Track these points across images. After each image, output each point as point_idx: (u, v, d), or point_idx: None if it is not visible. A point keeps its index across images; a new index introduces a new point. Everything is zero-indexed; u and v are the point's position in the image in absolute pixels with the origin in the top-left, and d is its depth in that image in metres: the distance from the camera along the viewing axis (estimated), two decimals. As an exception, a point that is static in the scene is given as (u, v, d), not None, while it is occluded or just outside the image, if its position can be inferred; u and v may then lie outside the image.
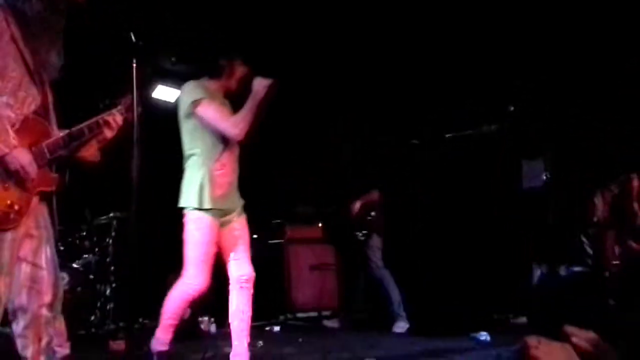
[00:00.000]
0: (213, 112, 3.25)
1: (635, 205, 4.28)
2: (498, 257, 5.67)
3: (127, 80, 2.42)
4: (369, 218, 5.51)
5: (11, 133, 2.15)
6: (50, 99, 2.36)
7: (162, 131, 4.08)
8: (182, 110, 3.32)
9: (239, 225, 3.47)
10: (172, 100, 6.38)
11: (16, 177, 2.17)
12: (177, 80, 6.52)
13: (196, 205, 3.23)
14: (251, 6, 5.53)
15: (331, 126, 6.70)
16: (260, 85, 3.19)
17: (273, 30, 5.85)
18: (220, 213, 3.31)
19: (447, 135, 4.67)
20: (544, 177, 4.35)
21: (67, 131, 2.37)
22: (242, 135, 3.23)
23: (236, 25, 5.64)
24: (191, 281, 3.28)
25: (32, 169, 2.20)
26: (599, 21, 5.05)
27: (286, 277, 6.45)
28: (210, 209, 3.24)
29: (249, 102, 3.20)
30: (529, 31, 5.41)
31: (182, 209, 3.31)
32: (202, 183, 3.24)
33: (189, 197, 3.28)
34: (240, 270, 3.46)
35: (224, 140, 3.32)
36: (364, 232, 5.47)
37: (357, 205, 5.47)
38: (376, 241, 5.45)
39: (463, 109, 5.57)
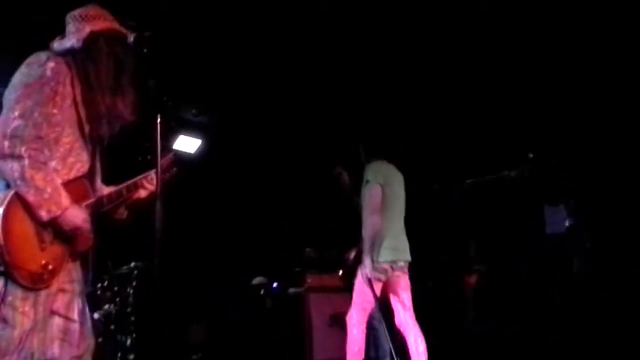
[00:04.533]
0: None
1: None
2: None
3: (152, 135, 2.47)
4: None
5: (63, 193, 2.16)
6: (98, 157, 2.40)
7: (181, 182, 4.13)
8: None
9: None
10: (192, 150, 6.49)
11: (71, 235, 2.20)
12: (197, 130, 6.68)
13: None
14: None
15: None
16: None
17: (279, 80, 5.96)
18: None
19: (467, 181, 4.66)
20: (567, 223, 4.28)
21: (106, 192, 2.41)
22: None
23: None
24: None
25: (86, 226, 2.23)
26: (619, 71, 5.08)
27: (307, 328, 6.36)
28: None
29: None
30: (550, 79, 5.45)
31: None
32: None
33: None
34: None
35: None
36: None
37: (352, 254, 5.12)
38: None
39: (483, 155, 5.57)
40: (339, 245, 6.33)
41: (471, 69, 5.62)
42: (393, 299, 4.11)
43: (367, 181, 4.15)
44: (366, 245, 4.00)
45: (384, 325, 5.17)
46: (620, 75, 5.11)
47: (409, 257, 4.17)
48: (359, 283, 4.05)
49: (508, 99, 5.76)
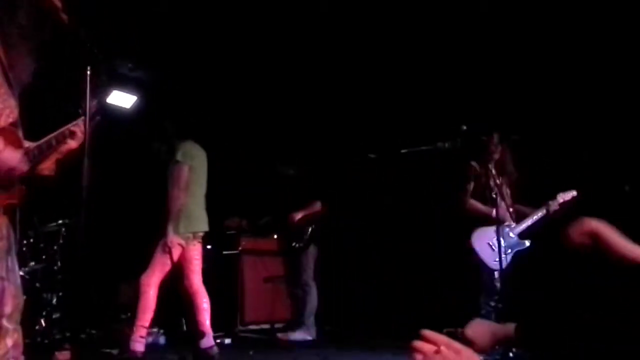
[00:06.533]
0: None
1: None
2: (446, 271, 5.79)
3: (82, 87, 2.38)
4: (310, 229, 5.68)
5: None
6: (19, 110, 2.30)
7: (113, 138, 4.03)
8: None
9: None
10: (127, 105, 6.29)
11: (1, 183, 2.10)
12: (133, 86, 6.47)
13: None
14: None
15: (287, 137, 6.75)
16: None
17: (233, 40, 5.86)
18: None
19: (402, 151, 4.75)
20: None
21: (36, 143, 2.31)
22: None
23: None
24: None
25: (22, 168, 2.16)
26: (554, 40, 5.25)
27: (239, 289, 6.40)
28: None
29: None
30: (486, 50, 5.58)
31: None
32: None
33: None
34: None
35: None
36: (300, 243, 5.69)
37: (298, 215, 5.72)
38: (313, 252, 5.70)
39: (419, 127, 5.69)
40: (270, 211, 6.42)
41: (408, 40, 5.68)
42: (186, 265, 4.54)
43: (177, 161, 4.57)
44: (171, 217, 4.44)
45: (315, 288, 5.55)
46: (553, 46, 5.27)
47: (206, 228, 4.68)
48: (159, 250, 4.44)
49: (444, 72, 5.87)
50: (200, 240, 4.66)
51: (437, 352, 1.02)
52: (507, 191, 4.78)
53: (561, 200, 4.61)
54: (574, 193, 4.68)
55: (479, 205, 4.60)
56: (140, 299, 4.35)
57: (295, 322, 5.60)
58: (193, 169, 4.60)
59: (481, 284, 4.55)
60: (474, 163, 4.65)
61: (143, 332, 4.30)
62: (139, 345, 4.26)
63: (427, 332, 1.06)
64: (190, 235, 4.54)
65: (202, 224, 4.67)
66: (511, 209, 4.73)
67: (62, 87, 2.40)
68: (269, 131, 7.00)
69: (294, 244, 5.73)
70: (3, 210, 2.22)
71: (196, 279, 4.58)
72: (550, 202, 4.62)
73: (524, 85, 5.49)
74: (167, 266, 4.45)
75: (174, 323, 5.69)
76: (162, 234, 4.45)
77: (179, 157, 4.58)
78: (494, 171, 4.68)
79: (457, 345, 1.04)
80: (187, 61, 6.28)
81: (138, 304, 4.36)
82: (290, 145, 6.50)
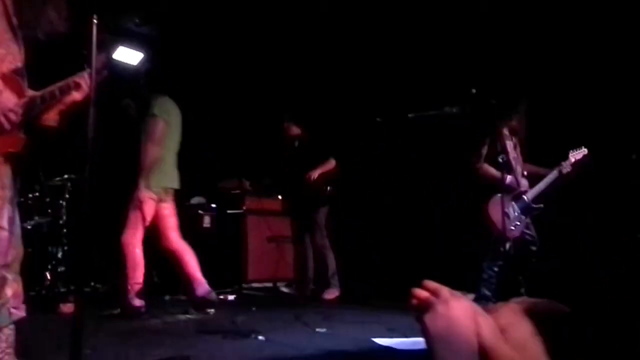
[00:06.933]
0: None
1: None
2: (451, 236, 5.82)
3: (86, 37, 2.34)
4: (328, 187, 5.63)
5: None
6: (23, 57, 2.27)
7: (120, 94, 4.00)
8: None
9: None
10: (134, 62, 6.22)
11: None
12: (139, 42, 6.38)
13: None
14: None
15: (295, 99, 6.70)
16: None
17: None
18: None
19: (410, 115, 4.71)
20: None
21: (39, 92, 2.29)
22: None
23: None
24: None
25: (17, 111, 2.15)
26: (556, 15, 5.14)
27: (243, 248, 6.46)
28: None
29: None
30: (493, 15, 5.48)
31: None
32: None
33: None
34: None
35: None
36: (319, 201, 5.64)
37: (315, 173, 5.61)
38: (324, 212, 5.65)
39: (427, 91, 5.63)
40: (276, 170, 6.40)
41: (416, 2, 5.58)
42: (161, 223, 4.56)
43: (153, 114, 4.53)
44: (144, 171, 4.42)
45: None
46: (561, 21, 5.18)
47: (177, 186, 4.69)
48: (133, 207, 4.44)
49: (451, 37, 5.78)
50: (172, 197, 4.66)
51: (437, 296, 1.04)
52: (519, 154, 4.77)
53: (573, 160, 4.60)
54: (585, 151, 4.66)
55: (492, 170, 4.59)
56: (127, 259, 4.38)
57: (324, 283, 5.58)
58: (168, 124, 4.56)
59: (487, 249, 4.57)
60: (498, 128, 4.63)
61: (137, 288, 4.35)
62: (137, 301, 4.32)
63: (428, 282, 1.08)
64: (162, 191, 4.53)
65: (174, 181, 4.67)
66: (525, 172, 4.72)
67: (68, 37, 2.35)
68: (276, 94, 6.96)
69: (312, 203, 5.64)
70: (4, 159, 2.22)
71: (173, 235, 4.61)
72: (563, 163, 4.61)
73: (533, 46, 5.40)
74: (144, 221, 4.44)
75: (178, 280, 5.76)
76: (134, 189, 4.44)
77: (155, 110, 4.54)
78: (508, 134, 4.66)
79: (456, 293, 1.05)
80: (194, 18, 6.19)
81: (127, 264, 4.38)
82: (297, 107, 6.46)
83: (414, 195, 6.27)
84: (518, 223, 4.53)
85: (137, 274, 4.36)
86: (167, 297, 5.45)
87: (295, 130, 5.88)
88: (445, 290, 1.05)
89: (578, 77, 5.12)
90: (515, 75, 5.38)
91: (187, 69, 6.65)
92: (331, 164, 5.74)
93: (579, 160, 4.62)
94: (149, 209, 4.46)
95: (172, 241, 4.59)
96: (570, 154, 4.63)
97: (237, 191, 6.71)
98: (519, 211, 4.58)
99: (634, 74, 4.71)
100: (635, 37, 4.69)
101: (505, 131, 4.66)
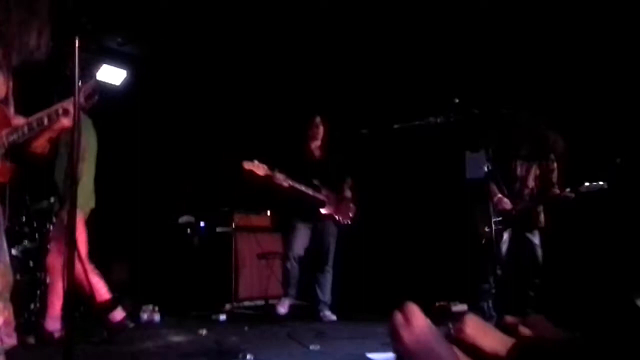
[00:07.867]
0: None
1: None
2: (442, 245, 5.83)
3: (70, 60, 2.32)
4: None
5: None
6: (11, 84, 2.25)
7: (105, 115, 3.99)
8: None
9: None
10: (117, 82, 6.20)
11: None
12: (122, 60, 6.37)
13: None
14: None
15: (280, 114, 6.71)
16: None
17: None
18: None
19: (395, 126, 4.73)
20: (485, 169, 4.47)
21: (26, 120, 2.27)
22: None
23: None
24: None
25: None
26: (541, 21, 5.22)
27: (233, 266, 6.42)
28: None
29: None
30: (476, 25, 5.54)
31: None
32: None
33: None
34: None
35: None
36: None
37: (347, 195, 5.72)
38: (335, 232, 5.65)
39: (411, 101, 5.67)
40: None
41: (400, 14, 5.63)
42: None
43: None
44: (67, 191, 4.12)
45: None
46: (542, 26, 5.26)
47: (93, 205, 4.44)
48: (58, 229, 4.23)
49: (437, 47, 5.84)
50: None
51: (407, 321, 1.07)
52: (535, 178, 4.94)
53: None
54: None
55: (494, 189, 4.81)
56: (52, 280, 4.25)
57: (322, 304, 5.51)
58: (89, 143, 4.34)
59: (480, 260, 4.62)
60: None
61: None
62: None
63: (408, 304, 1.12)
64: (92, 210, 4.39)
65: (92, 200, 4.47)
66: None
67: (53, 59, 2.33)
68: (263, 107, 6.97)
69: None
70: None
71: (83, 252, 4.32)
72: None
73: (515, 55, 5.48)
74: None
75: (169, 301, 5.71)
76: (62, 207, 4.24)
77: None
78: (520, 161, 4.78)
79: (419, 318, 1.08)
80: (181, 36, 6.20)
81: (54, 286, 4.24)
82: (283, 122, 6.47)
83: (402, 206, 6.29)
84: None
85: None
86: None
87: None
88: (415, 311, 1.09)
89: (560, 86, 5.20)
90: (497, 84, 5.44)
91: (177, 90, 6.67)
92: (349, 182, 5.80)
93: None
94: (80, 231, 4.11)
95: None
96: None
97: (225, 208, 6.67)
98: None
99: (622, 79, 4.80)
100: (624, 45, 4.78)
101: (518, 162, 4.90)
